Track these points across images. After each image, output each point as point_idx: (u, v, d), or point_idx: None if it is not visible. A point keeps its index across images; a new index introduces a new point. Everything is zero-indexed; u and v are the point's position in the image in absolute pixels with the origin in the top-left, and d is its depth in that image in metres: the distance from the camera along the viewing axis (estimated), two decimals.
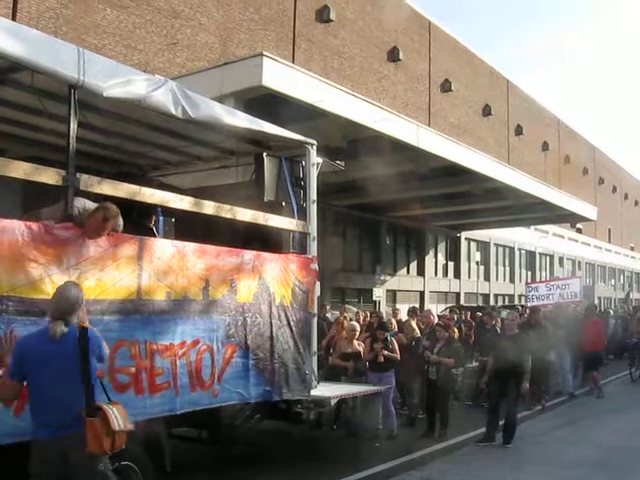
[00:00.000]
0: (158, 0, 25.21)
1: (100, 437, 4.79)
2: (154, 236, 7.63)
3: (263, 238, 8.49)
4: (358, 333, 11.75)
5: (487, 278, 46.10)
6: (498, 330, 14.61)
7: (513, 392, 11.14)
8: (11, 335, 5.25)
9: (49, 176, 5.87)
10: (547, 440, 11.72)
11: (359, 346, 11.51)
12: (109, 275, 6.09)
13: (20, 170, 5.70)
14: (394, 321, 14.11)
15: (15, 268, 5.36)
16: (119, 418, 4.90)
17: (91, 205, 6.11)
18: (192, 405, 7.01)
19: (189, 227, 8.14)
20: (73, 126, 5.92)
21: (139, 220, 7.76)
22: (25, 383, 4.99)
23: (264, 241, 8.45)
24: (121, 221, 6.38)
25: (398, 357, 11.50)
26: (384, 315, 17.12)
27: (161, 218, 8.41)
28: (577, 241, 59.80)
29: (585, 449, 10.97)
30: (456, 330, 14.42)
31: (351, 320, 14.00)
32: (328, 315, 17.04)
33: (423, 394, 12.12)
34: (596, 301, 48.61)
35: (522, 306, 23.26)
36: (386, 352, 11.23)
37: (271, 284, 8.19)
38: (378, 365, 11.30)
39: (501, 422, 11.26)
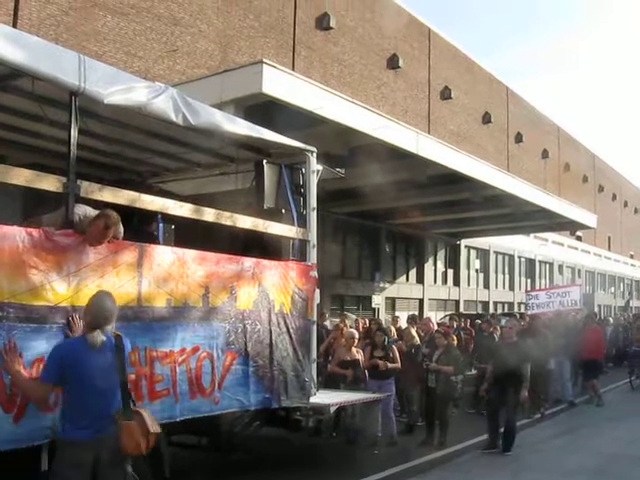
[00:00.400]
0: (158, 7, 25.26)
1: (137, 439, 5.00)
2: (156, 242, 7.64)
3: (262, 245, 8.49)
4: (357, 340, 11.73)
5: (487, 286, 46.08)
6: (496, 337, 14.62)
7: (512, 399, 11.12)
8: (11, 342, 5.24)
9: (50, 183, 5.88)
10: (547, 448, 11.71)
11: (358, 354, 11.49)
12: (109, 282, 6.09)
13: (21, 177, 5.71)
14: (393, 329, 14.12)
15: (16, 275, 5.35)
16: (153, 421, 5.16)
17: (92, 212, 6.11)
18: (192, 412, 7.01)
19: (188, 234, 8.14)
20: (74, 133, 5.93)
21: (140, 226, 7.77)
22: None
23: (263, 248, 8.45)
24: (121, 228, 6.39)
25: (399, 365, 11.50)
26: (383, 322, 17.14)
27: (161, 225, 8.42)
28: (577, 249, 59.80)
29: (585, 457, 10.94)
30: (455, 338, 14.41)
31: (350, 327, 14.00)
32: (327, 322, 17.03)
33: (422, 401, 12.12)
34: (596, 309, 48.63)
35: (521, 314, 23.25)
36: (388, 364, 11.27)
37: (271, 291, 8.19)
38: (378, 372, 11.31)
39: (501, 429, 11.25)
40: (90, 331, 5.09)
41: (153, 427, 5.10)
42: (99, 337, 5.05)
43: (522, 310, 30.17)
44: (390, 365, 11.33)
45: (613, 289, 70.40)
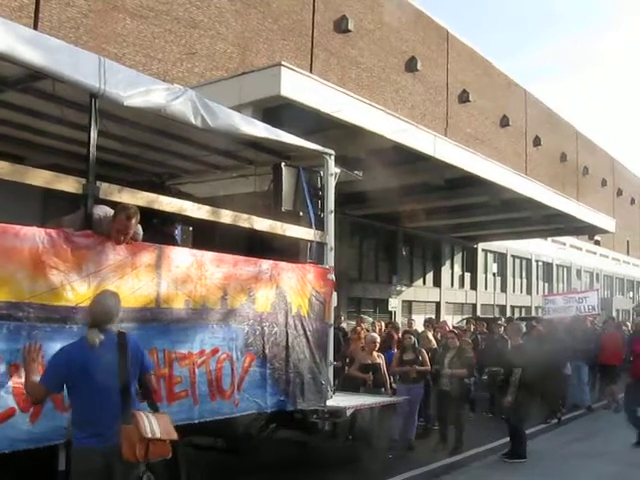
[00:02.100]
0: (177, 10, 25.36)
1: (133, 444, 4.77)
2: (176, 244, 7.66)
3: (280, 248, 8.49)
4: (378, 344, 11.69)
5: (504, 289, 45.87)
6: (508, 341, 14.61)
7: (514, 404, 11.07)
8: (32, 342, 5.27)
9: (69, 184, 5.91)
10: (563, 454, 11.63)
11: (379, 358, 11.46)
12: (128, 283, 6.12)
13: (40, 178, 5.74)
14: (430, 335, 14.03)
15: (36, 275, 5.39)
16: (154, 425, 4.88)
17: (112, 211, 6.17)
18: (212, 414, 7.02)
19: (206, 236, 8.16)
20: (93, 135, 5.96)
21: (161, 228, 7.81)
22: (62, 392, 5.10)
23: (281, 251, 8.46)
24: (140, 230, 6.43)
25: (429, 368, 11.49)
26: (400, 326, 17.09)
27: (179, 227, 8.44)
28: (595, 253, 59.42)
29: (603, 464, 10.85)
30: (471, 342, 14.34)
31: (367, 331, 13.98)
32: (344, 325, 17.02)
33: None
34: (614, 313, 48.27)
35: (537, 318, 23.11)
36: (417, 368, 11.29)
37: (288, 294, 8.19)
38: (407, 376, 11.30)
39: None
40: (89, 329, 5.03)
41: (154, 432, 4.85)
42: (97, 335, 4.95)
43: (539, 314, 30.06)
44: (419, 368, 11.33)
45: (632, 294, 69.92)
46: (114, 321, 5.13)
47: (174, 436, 5.05)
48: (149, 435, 4.81)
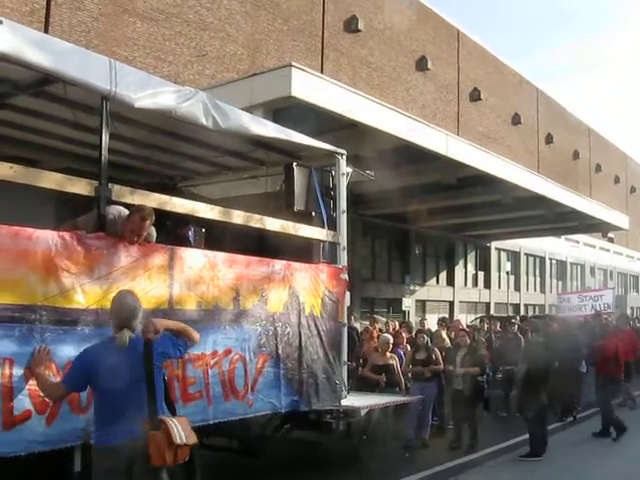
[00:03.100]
0: (187, 12, 25.42)
1: (162, 450, 4.77)
2: (189, 245, 7.67)
3: (293, 248, 8.49)
4: (391, 345, 11.66)
5: (517, 288, 45.74)
6: (522, 339, 14.61)
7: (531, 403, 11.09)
8: (44, 345, 5.30)
9: (81, 187, 5.93)
10: (579, 452, 11.57)
11: (391, 359, 11.43)
12: (140, 285, 6.11)
13: (52, 181, 5.76)
14: (444, 334, 14.00)
15: (48, 278, 5.41)
16: (181, 431, 4.88)
17: (126, 212, 6.19)
18: (226, 415, 7.02)
19: (219, 237, 8.17)
20: (105, 137, 5.98)
21: (174, 230, 7.82)
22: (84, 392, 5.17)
23: (294, 251, 8.46)
24: (154, 232, 6.45)
25: (441, 367, 11.47)
26: (413, 325, 17.05)
27: (192, 228, 8.45)
28: (609, 250, 59.17)
29: (618, 462, 10.80)
30: (485, 341, 14.29)
31: (381, 331, 13.96)
32: (357, 325, 17.01)
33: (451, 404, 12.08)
34: (628, 311, 48.05)
35: (551, 316, 23.01)
36: (432, 367, 11.31)
37: (301, 294, 8.18)
38: (420, 375, 11.29)
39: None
40: (118, 331, 5.02)
41: (182, 439, 4.85)
42: (125, 336, 4.95)
43: (553, 312, 29.96)
44: (433, 368, 11.33)
45: None
46: (138, 317, 5.14)
47: (195, 439, 5.06)
48: (179, 441, 4.83)
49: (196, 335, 5.53)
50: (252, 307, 7.46)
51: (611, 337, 14.83)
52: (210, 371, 6.86)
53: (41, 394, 5.20)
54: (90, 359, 5.00)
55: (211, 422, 6.81)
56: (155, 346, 5.08)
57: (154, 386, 4.99)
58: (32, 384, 5.21)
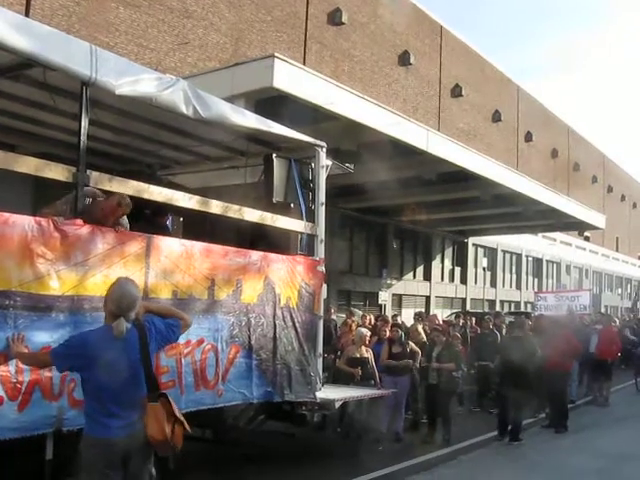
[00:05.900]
0: (170, 0, 25.26)
1: (161, 422, 4.73)
2: (167, 234, 7.64)
3: (270, 239, 8.49)
4: (368, 339, 11.68)
5: (493, 284, 45.98)
6: (498, 335, 14.77)
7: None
8: (18, 331, 5.27)
9: (59, 172, 5.90)
10: (551, 448, 11.70)
11: (367, 352, 11.44)
12: (116, 272, 6.03)
13: (30, 166, 5.73)
14: (420, 327, 14.04)
15: (23, 263, 5.38)
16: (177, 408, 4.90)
17: (101, 194, 6.18)
18: (196, 404, 7.03)
19: (196, 227, 8.16)
20: (84, 123, 5.95)
21: (153, 218, 7.79)
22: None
23: (271, 242, 8.45)
24: (127, 222, 6.45)
25: (415, 361, 11.54)
26: (389, 319, 17.11)
27: (170, 217, 8.43)
28: (585, 249, 59.65)
29: (589, 458, 10.91)
30: (460, 336, 14.37)
31: (358, 324, 13.99)
32: (334, 317, 17.02)
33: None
34: (602, 310, 48.47)
35: (527, 313, 23.18)
36: (404, 361, 11.43)
37: (277, 285, 8.19)
38: (394, 368, 11.32)
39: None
40: (114, 319, 4.79)
41: (178, 410, 4.87)
42: (123, 326, 4.76)
43: (529, 309, 30.17)
44: (405, 362, 11.39)
45: (620, 290, 70.20)
46: (137, 308, 4.94)
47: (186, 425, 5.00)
48: (177, 413, 4.84)
49: (186, 315, 5.46)
50: (226, 297, 7.47)
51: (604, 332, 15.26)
52: (183, 360, 6.86)
53: (13, 380, 5.17)
54: (88, 343, 4.80)
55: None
56: (148, 328, 4.97)
57: (150, 362, 4.91)
58: (4, 370, 5.18)
